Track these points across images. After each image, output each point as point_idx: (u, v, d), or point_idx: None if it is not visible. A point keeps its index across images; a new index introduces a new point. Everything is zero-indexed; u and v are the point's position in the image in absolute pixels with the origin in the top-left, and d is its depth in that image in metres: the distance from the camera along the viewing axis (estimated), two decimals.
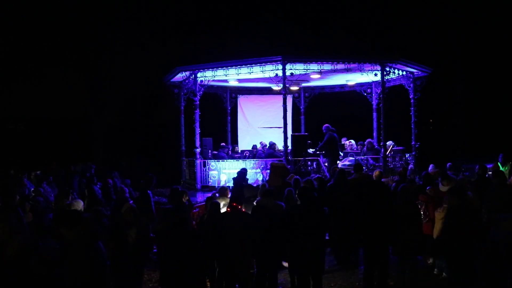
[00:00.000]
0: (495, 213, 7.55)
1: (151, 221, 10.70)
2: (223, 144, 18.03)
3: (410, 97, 17.09)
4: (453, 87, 28.59)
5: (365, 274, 7.83)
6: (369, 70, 15.33)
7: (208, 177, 16.09)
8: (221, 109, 21.04)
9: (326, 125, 16.13)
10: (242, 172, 12.57)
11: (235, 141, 20.63)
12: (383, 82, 15.36)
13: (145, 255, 7.39)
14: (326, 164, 15.28)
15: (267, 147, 17.55)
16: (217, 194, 10.01)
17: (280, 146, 16.64)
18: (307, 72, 15.27)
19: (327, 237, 9.32)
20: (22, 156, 22.65)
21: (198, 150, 16.19)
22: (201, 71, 15.80)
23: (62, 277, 6.05)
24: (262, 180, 14.66)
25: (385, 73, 15.19)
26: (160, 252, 7.13)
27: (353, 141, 17.77)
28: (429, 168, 12.61)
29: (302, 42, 15.59)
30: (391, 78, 16.50)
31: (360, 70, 15.33)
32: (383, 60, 15.15)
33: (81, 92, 26.88)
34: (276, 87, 16.31)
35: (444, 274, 8.80)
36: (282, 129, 15.04)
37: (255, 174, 15.30)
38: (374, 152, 16.21)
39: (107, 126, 26.92)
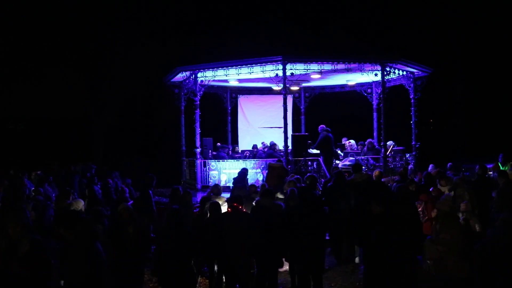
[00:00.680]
0: (497, 212, 7.56)
1: (152, 221, 10.74)
2: (219, 144, 17.99)
3: (411, 97, 17.09)
4: (454, 87, 28.60)
5: (365, 274, 7.83)
6: (369, 70, 15.33)
7: (208, 177, 16.09)
8: (221, 109, 21.04)
9: (322, 125, 16.17)
10: (243, 173, 12.58)
11: (235, 141, 20.63)
12: (383, 82, 15.36)
13: (145, 255, 7.38)
14: None
15: (267, 147, 17.57)
16: (211, 194, 10.01)
17: (280, 146, 16.64)
18: (308, 72, 15.27)
19: (327, 237, 9.34)
20: (22, 156, 22.66)
21: (198, 150, 16.19)
22: (201, 71, 15.80)
23: (62, 277, 6.07)
24: (263, 180, 14.66)
25: (385, 73, 15.18)
26: (157, 252, 7.10)
27: (353, 141, 17.77)
28: (429, 168, 12.63)
29: (302, 42, 15.54)
30: (391, 78, 16.50)
31: (361, 70, 15.32)
32: (383, 60, 15.14)
33: (81, 92, 26.90)
34: (276, 87, 16.31)
35: None
36: (282, 129, 15.03)
37: (255, 174, 15.30)
38: (374, 152, 16.21)
39: (107, 126, 26.93)
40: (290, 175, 12.17)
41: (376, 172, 11.09)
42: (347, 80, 18.59)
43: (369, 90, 19.20)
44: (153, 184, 12.19)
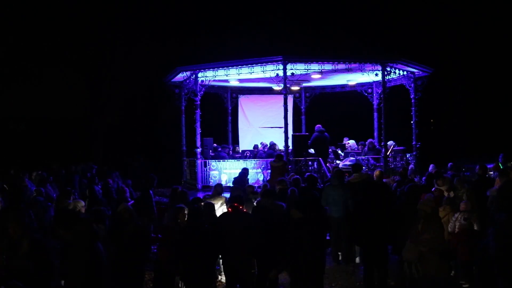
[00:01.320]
0: (498, 212, 7.55)
1: (152, 221, 10.75)
2: (215, 145, 17.95)
3: (411, 97, 17.07)
4: (454, 87, 28.57)
5: (365, 274, 7.83)
6: (370, 70, 15.32)
7: (209, 177, 16.08)
8: (222, 109, 21.04)
9: (317, 125, 16.17)
10: (243, 173, 12.58)
11: (236, 141, 20.62)
12: (384, 82, 15.35)
13: (145, 255, 7.39)
14: None
15: (267, 147, 17.57)
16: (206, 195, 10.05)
17: (281, 146, 16.63)
18: (308, 72, 15.26)
19: (327, 237, 9.33)
20: (22, 156, 22.65)
21: (199, 150, 16.18)
22: (202, 71, 15.79)
23: (63, 277, 6.08)
24: (263, 180, 14.66)
25: (386, 73, 15.17)
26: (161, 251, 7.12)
27: (353, 141, 17.77)
28: (430, 168, 12.63)
29: (303, 42, 15.59)
30: (392, 78, 16.49)
31: (361, 70, 15.31)
32: (384, 60, 15.14)
33: (82, 92, 26.89)
34: (277, 87, 16.31)
35: (452, 272, 8.83)
36: (283, 129, 15.03)
37: (255, 174, 15.29)
38: (375, 152, 16.20)
39: (107, 126, 26.93)
40: (290, 175, 12.20)
41: (377, 172, 11.09)
42: (348, 80, 18.59)
43: (369, 90, 19.19)
44: (153, 184, 12.20)
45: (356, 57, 14.98)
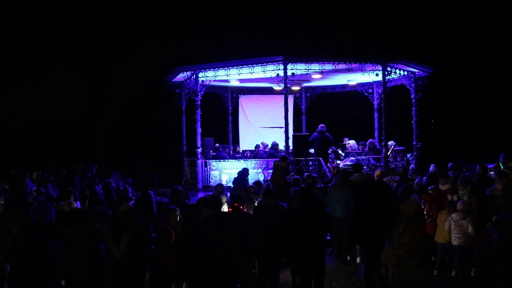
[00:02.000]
0: (501, 212, 7.55)
1: (152, 221, 10.73)
2: (217, 144, 17.96)
3: (412, 97, 17.07)
4: (454, 87, 28.56)
5: (365, 274, 7.83)
6: (370, 70, 15.32)
7: (209, 177, 16.08)
8: (222, 109, 21.04)
9: (320, 125, 16.18)
10: (242, 173, 12.57)
11: (236, 141, 20.62)
12: (384, 82, 15.35)
13: (146, 255, 7.38)
14: None
15: (268, 147, 17.56)
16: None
17: (281, 146, 16.62)
18: (309, 72, 15.25)
19: (328, 237, 9.33)
20: (23, 157, 22.65)
21: (199, 150, 16.18)
22: (202, 71, 15.79)
23: (63, 277, 6.09)
24: (263, 180, 14.65)
25: (386, 73, 15.17)
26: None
27: (353, 141, 17.76)
28: (430, 168, 12.62)
29: (303, 42, 15.53)
30: (392, 78, 16.49)
31: (362, 70, 15.31)
32: (384, 60, 15.13)
33: (82, 92, 26.89)
34: (277, 87, 16.30)
35: (453, 273, 8.83)
36: (283, 129, 15.03)
37: (256, 174, 15.29)
38: (375, 152, 16.20)
39: (108, 126, 26.94)
40: (290, 175, 12.20)
41: (377, 172, 11.10)
42: (348, 80, 18.58)
43: (370, 90, 19.18)
44: (154, 185, 12.19)
45: (356, 57, 14.96)
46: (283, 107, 14.79)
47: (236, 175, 12.97)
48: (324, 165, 15.00)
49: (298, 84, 18.20)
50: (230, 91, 20.56)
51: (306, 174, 11.54)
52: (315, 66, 14.95)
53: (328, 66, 15.03)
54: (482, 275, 7.15)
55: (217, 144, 17.87)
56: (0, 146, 24.80)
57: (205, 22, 26.27)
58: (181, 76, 16.83)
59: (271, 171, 13.64)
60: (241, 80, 17.35)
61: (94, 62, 25.60)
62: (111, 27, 24.96)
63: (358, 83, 19.07)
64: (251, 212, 8.12)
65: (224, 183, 15.00)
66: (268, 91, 19.45)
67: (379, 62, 15.00)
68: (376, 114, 19.16)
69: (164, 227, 7.05)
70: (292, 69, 14.64)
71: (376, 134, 19.13)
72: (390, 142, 16.14)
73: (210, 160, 16.27)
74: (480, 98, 28.41)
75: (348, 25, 20.05)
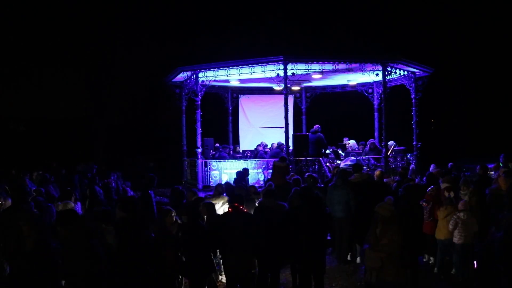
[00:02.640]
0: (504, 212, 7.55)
1: (152, 221, 10.72)
2: (217, 144, 17.97)
3: (412, 97, 17.07)
4: (454, 87, 28.56)
5: (365, 274, 7.83)
6: (370, 70, 15.32)
7: (209, 177, 16.08)
8: (222, 109, 21.05)
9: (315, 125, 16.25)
10: (242, 173, 12.55)
11: (236, 141, 20.63)
12: (384, 82, 15.35)
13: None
14: None
15: (268, 147, 17.58)
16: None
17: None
18: (309, 72, 15.25)
19: (328, 237, 9.33)
20: (23, 157, 22.66)
21: (199, 150, 16.18)
22: (202, 71, 15.80)
23: (63, 276, 6.11)
24: (263, 180, 14.66)
25: (386, 73, 15.17)
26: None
27: (353, 141, 17.76)
28: (431, 168, 12.61)
29: (303, 42, 15.59)
30: (392, 78, 16.49)
31: (362, 70, 15.31)
32: (384, 60, 15.13)
33: (82, 92, 26.94)
34: (277, 87, 16.31)
35: (453, 271, 8.84)
36: (283, 129, 15.04)
37: (256, 174, 15.30)
38: (376, 152, 16.20)
39: (108, 126, 26.95)
40: (290, 175, 12.20)
41: (377, 172, 11.08)
42: (348, 80, 18.59)
43: (370, 90, 19.18)
44: (154, 185, 12.19)
45: (356, 57, 14.97)
46: (283, 107, 14.80)
47: (236, 175, 12.95)
48: (324, 165, 15.00)
49: (298, 84, 18.20)
50: (230, 91, 20.57)
51: (307, 174, 11.54)
52: (315, 66, 14.95)
53: (328, 66, 15.04)
54: (483, 274, 7.13)
55: (217, 144, 17.87)
56: (0, 146, 24.82)
57: (205, 22, 26.27)
58: (181, 76, 16.84)
59: (271, 171, 13.64)
60: (241, 80, 17.36)
61: (94, 62, 25.60)
62: (111, 27, 24.96)
63: (358, 83, 19.07)
64: (252, 212, 8.12)
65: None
66: (268, 91, 19.46)
67: (379, 62, 15.00)
68: (376, 114, 19.16)
69: (164, 227, 7.07)
70: (292, 69, 14.64)
71: (376, 134, 19.13)
72: (390, 142, 16.14)
73: (210, 160, 16.27)
74: (480, 98, 28.42)
75: (348, 25, 20.10)
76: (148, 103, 28.40)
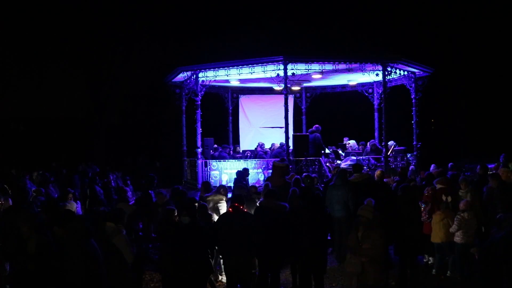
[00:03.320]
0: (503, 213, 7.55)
1: (152, 221, 10.75)
2: (216, 145, 17.95)
3: (412, 97, 17.07)
4: (455, 87, 28.55)
5: (346, 279, 7.82)
6: (370, 70, 15.31)
7: (209, 177, 16.07)
8: (222, 109, 21.05)
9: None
10: (242, 172, 12.55)
11: (236, 141, 20.62)
12: (384, 82, 15.34)
13: (145, 254, 7.42)
14: None
15: (265, 147, 17.58)
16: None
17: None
18: (309, 72, 15.24)
19: (328, 237, 9.33)
20: (23, 157, 22.67)
21: (199, 150, 16.18)
22: (202, 71, 15.79)
23: (62, 273, 6.12)
24: (263, 180, 14.65)
25: (386, 73, 15.16)
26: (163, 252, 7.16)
27: (353, 141, 17.75)
28: (431, 168, 12.61)
29: (303, 42, 15.53)
30: (392, 78, 16.48)
31: (362, 70, 15.30)
32: (384, 60, 15.12)
33: (83, 92, 26.91)
34: (277, 87, 16.30)
35: (448, 272, 8.84)
36: (283, 129, 15.03)
37: (256, 174, 15.30)
38: (376, 153, 16.19)
39: (108, 126, 26.95)
40: (290, 175, 12.19)
41: (377, 172, 11.09)
42: (348, 80, 18.59)
43: (370, 90, 19.18)
44: (154, 184, 12.21)
45: (356, 57, 14.96)
46: (283, 107, 14.79)
47: (236, 175, 12.96)
48: (324, 165, 14.99)
49: (298, 84, 18.19)
50: (230, 91, 20.57)
51: (304, 174, 11.54)
52: (315, 66, 14.94)
53: (328, 66, 15.03)
54: (483, 275, 7.12)
55: (216, 145, 17.87)
56: (0, 146, 24.83)
57: (205, 22, 26.26)
58: (181, 76, 16.84)
59: (271, 171, 13.64)
60: (241, 80, 17.35)
61: (94, 62, 25.59)
62: (112, 27, 24.95)
63: (358, 83, 19.07)
64: (252, 212, 8.13)
65: (224, 183, 15.02)
66: (268, 91, 19.46)
67: (379, 62, 15.00)
68: (376, 114, 19.16)
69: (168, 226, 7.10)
70: (292, 69, 14.63)
71: (376, 134, 19.13)
72: (390, 142, 16.14)
73: (210, 160, 16.27)
74: (480, 98, 28.42)
75: (348, 25, 20.06)
76: (148, 103, 28.41)
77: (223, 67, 15.33)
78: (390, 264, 7.89)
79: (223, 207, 9.49)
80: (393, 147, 16.33)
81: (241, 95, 20.69)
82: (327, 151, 16.91)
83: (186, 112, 18.04)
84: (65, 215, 6.47)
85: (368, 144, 17.00)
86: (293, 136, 15.82)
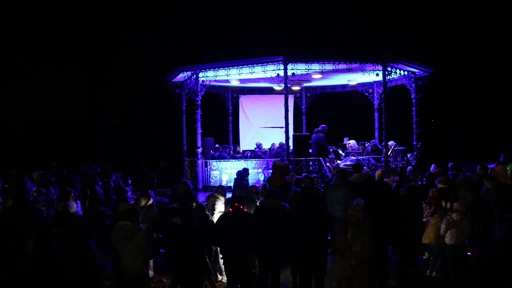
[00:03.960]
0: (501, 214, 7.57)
1: (152, 221, 10.73)
2: (217, 145, 17.96)
3: (412, 97, 17.07)
4: (455, 87, 28.54)
5: (335, 283, 7.82)
6: (370, 70, 15.31)
7: (209, 177, 16.09)
8: (222, 109, 21.05)
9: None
10: (242, 172, 12.55)
11: (236, 141, 20.62)
12: (384, 82, 15.34)
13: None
14: None
15: (263, 147, 17.58)
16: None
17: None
18: (309, 72, 15.25)
19: (329, 237, 9.32)
20: (23, 157, 22.66)
21: (199, 150, 16.18)
22: (202, 71, 15.80)
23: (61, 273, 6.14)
24: (264, 180, 14.65)
25: (386, 73, 15.16)
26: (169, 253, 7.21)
27: (353, 141, 17.75)
28: (431, 168, 12.61)
29: (303, 42, 15.53)
30: (392, 78, 16.48)
31: (362, 70, 15.31)
32: (384, 60, 15.12)
33: (83, 92, 26.93)
34: (277, 87, 16.30)
35: (434, 273, 8.82)
36: (283, 129, 15.03)
37: (256, 174, 15.29)
38: (377, 153, 16.18)
39: (108, 126, 26.95)
40: (290, 175, 12.19)
41: (378, 172, 11.10)
42: (349, 80, 18.59)
43: (370, 90, 19.18)
44: (154, 184, 12.20)
45: (357, 57, 14.96)
46: (284, 107, 14.80)
47: (236, 175, 12.95)
48: (324, 165, 14.99)
49: (298, 84, 18.19)
50: (231, 91, 20.57)
51: (303, 174, 11.54)
52: (315, 66, 14.95)
53: (328, 66, 15.03)
54: (484, 275, 7.12)
55: (217, 145, 17.88)
56: (0, 146, 24.81)
57: (205, 22, 26.27)
58: (181, 76, 16.83)
59: (271, 171, 13.63)
60: (241, 80, 17.35)
61: (95, 62, 25.61)
62: (112, 27, 24.97)
63: (358, 83, 19.07)
64: (252, 212, 8.12)
65: (224, 183, 15.02)
66: (269, 91, 19.46)
67: (379, 62, 15.00)
68: (376, 114, 19.16)
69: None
70: (292, 69, 14.63)
71: (376, 134, 19.12)
72: (390, 142, 16.14)
73: (210, 160, 16.27)
74: (480, 98, 28.38)
75: (348, 25, 20.03)
76: (148, 103, 28.38)
77: (223, 67, 15.33)
78: (385, 268, 7.80)
79: (218, 207, 9.46)
80: (393, 147, 16.32)
81: (241, 95, 20.69)
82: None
83: (186, 112, 18.03)
84: (63, 217, 6.47)
85: (369, 144, 16.99)
86: (293, 136, 15.81)
